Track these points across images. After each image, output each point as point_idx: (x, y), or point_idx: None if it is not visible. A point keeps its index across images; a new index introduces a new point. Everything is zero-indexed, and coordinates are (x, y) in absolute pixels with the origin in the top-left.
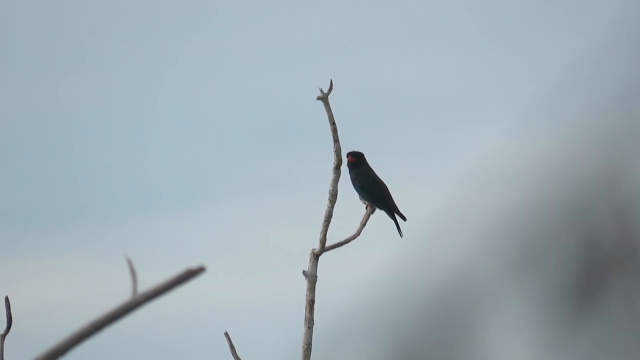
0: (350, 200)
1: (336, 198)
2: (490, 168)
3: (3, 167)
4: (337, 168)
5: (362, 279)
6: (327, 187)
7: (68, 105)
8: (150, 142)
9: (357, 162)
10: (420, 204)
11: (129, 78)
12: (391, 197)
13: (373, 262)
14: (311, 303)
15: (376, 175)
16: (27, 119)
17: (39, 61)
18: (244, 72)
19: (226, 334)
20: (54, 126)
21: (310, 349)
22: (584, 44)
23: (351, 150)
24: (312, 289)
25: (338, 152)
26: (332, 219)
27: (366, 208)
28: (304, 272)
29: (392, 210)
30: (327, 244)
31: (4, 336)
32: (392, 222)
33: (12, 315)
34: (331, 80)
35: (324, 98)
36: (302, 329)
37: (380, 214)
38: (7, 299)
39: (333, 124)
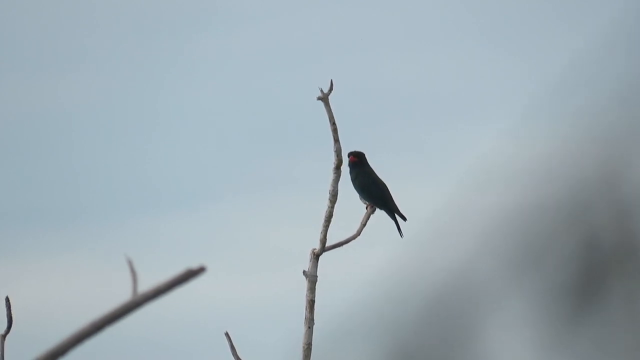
0: (351, 200)
1: (336, 198)
2: (490, 168)
3: (3, 167)
4: (338, 168)
5: (362, 279)
6: (328, 187)
7: (68, 105)
8: (150, 142)
9: (358, 162)
10: (420, 204)
11: (129, 78)
12: (391, 197)
13: (373, 262)
14: (311, 303)
15: (376, 175)
16: (27, 119)
17: (39, 61)
18: (244, 72)
19: (226, 334)
20: (54, 126)
21: (311, 349)
22: (584, 44)
23: (351, 150)
24: (312, 289)
25: (338, 152)
26: (332, 219)
27: (366, 208)
28: (304, 272)
29: (392, 210)
30: (328, 244)
31: (4, 336)
32: (392, 222)
33: (13, 315)
34: (331, 80)
35: (324, 98)
36: (302, 329)
37: (380, 214)
38: (7, 299)
39: (333, 124)
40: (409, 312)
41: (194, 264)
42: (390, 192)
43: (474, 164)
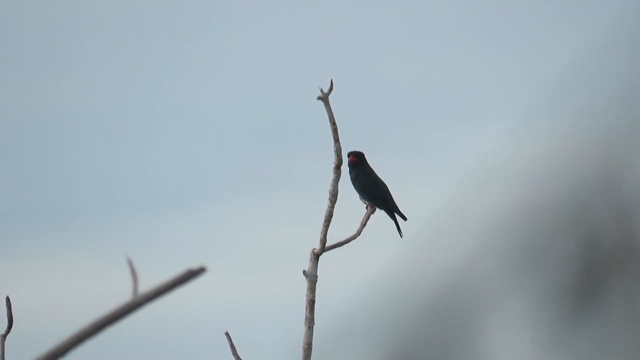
0: (351, 200)
1: (336, 198)
2: (490, 168)
3: (3, 167)
4: (338, 168)
5: (362, 279)
6: (327, 187)
7: (68, 105)
8: (151, 142)
9: (358, 162)
10: (420, 204)
11: (129, 78)
12: (391, 197)
13: (373, 262)
14: (311, 303)
15: (376, 175)
16: (27, 119)
17: (39, 61)
18: (244, 72)
19: (227, 334)
20: (54, 126)
21: (311, 349)
22: (584, 44)
23: (351, 150)
24: (312, 289)
25: (338, 152)
26: (332, 219)
27: (366, 208)
28: (304, 272)
29: (392, 210)
30: (328, 244)
31: (4, 336)
32: (392, 222)
33: (13, 315)
34: (331, 80)
35: (324, 98)
36: (302, 329)
37: (380, 214)
38: (7, 299)
39: (333, 124)
40: (409, 312)
41: (194, 264)
42: (391, 192)
43: (474, 164)
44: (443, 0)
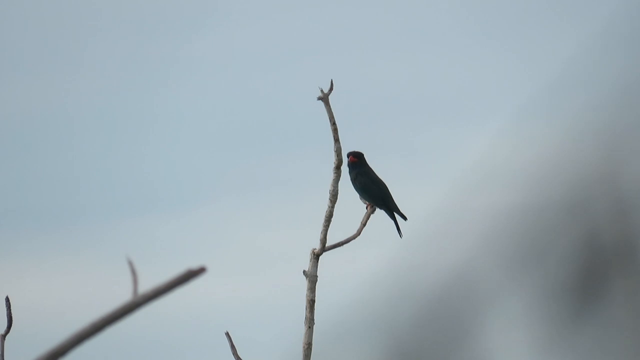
0: (351, 200)
1: (336, 198)
2: (490, 167)
3: (3, 167)
4: (338, 168)
5: (362, 279)
6: (327, 187)
7: (68, 105)
8: (150, 143)
9: (358, 162)
10: (420, 203)
11: (127, 78)
12: (391, 197)
13: (373, 262)
14: (311, 303)
15: (376, 175)
16: (27, 119)
17: (39, 61)
18: (243, 72)
19: (227, 334)
20: (54, 126)
21: (311, 349)
22: (582, 44)
23: (351, 150)
24: (312, 288)
25: (338, 152)
26: (332, 219)
27: (366, 208)
28: (304, 272)
29: (392, 210)
30: (328, 244)
31: (4, 336)
32: (392, 222)
33: (13, 315)
34: (331, 80)
35: (324, 98)
36: (302, 328)
37: (380, 214)
38: (7, 299)
39: (333, 124)
40: (409, 312)
41: (194, 265)
42: (390, 191)
43: (473, 164)
44: (442, 1)
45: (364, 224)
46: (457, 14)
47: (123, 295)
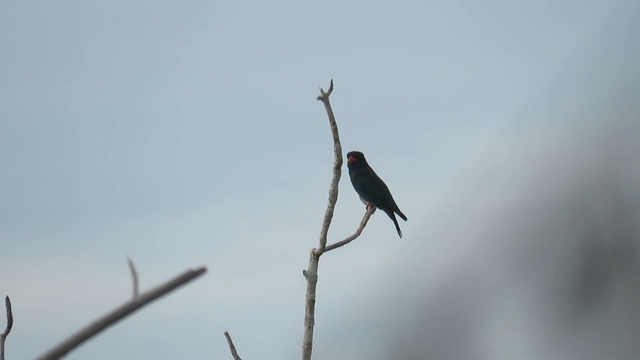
0: (351, 200)
1: (336, 198)
2: (490, 167)
3: (3, 167)
4: (338, 168)
5: (362, 279)
6: (327, 187)
7: (68, 105)
8: (150, 143)
9: (358, 162)
10: (420, 203)
11: (127, 78)
12: (391, 197)
13: (373, 262)
14: (311, 303)
15: (376, 175)
16: (27, 119)
17: (39, 61)
18: (243, 72)
19: (226, 334)
20: (54, 126)
21: (311, 349)
22: (582, 44)
23: (351, 150)
24: (312, 288)
25: (338, 152)
26: (332, 219)
27: (366, 208)
28: (304, 272)
29: (392, 210)
30: (328, 244)
31: (4, 336)
32: (392, 222)
33: (13, 315)
34: (331, 80)
35: (324, 98)
36: (302, 328)
37: (380, 214)
38: (7, 299)
39: (333, 124)
40: (409, 311)
41: (194, 265)
42: (390, 191)
43: (473, 164)
44: (442, 1)
45: (363, 224)
46: (457, 14)
47: (123, 296)
